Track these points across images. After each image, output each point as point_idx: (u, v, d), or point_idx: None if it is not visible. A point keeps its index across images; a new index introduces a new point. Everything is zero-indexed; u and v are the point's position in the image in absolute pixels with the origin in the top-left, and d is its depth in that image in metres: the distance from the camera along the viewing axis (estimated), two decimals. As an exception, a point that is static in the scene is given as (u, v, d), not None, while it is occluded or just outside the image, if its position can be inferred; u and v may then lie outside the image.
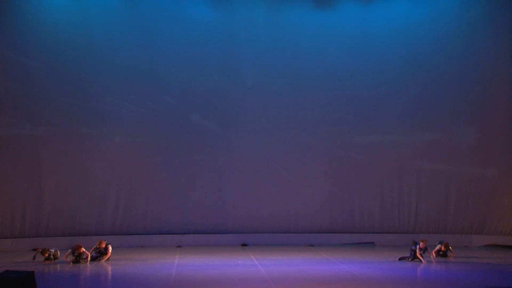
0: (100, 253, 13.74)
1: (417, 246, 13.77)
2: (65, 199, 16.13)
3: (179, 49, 16.84)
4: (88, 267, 12.91)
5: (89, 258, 13.44)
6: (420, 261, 13.66)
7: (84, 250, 13.47)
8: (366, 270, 12.62)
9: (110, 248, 13.81)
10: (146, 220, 16.64)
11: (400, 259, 13.99)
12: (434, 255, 14.06)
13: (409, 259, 13.87)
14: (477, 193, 16.87)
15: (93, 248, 13.78)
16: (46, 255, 13.46)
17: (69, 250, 13.47)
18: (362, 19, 17.27)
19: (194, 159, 16.90)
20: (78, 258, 13.37)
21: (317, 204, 17.16)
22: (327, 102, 17.24)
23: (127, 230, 16.49)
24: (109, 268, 12.93)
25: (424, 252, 13.82)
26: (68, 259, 13.34)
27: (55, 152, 16.12)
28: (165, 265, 13.22)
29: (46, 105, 16.09)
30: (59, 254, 13.62)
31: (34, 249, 14.35)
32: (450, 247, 14.55)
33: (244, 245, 16.58)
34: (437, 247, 14.40)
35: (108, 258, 13.75)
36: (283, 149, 17.15)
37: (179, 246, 16.25)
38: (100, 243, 13.77)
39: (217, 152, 17.01)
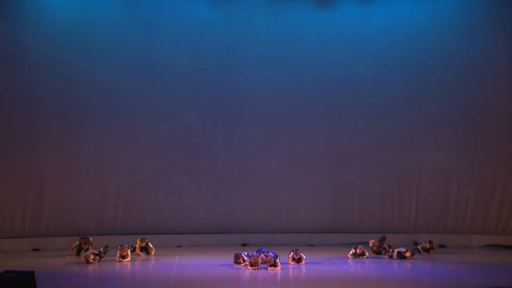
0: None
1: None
2: (65, 199, 16.10)
3: (179, 49, 16.81)
4: (88, 267, 12.91)
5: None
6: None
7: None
8: (366, 270, 12.62)
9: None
10: (146, 220, 16.61)
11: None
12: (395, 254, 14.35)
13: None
14: (477, 193, 16.86)
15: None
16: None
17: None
18: (362, 19, 17.25)
19: (194, 159, 16.89)
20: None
21: (317, 204, 17.15)
22: (326, 102, 17.21)
23: (127, 230, 16.45)
24: (109, 268, 12.92)
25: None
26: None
27: (55, 152, 16.09)
28: (165, 265, 13.22)
29: (45, 105, 16.04)
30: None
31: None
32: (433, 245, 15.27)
33: (244, 245, 16.58)
34: (422, 245, 15.27)
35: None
36: (283, 149, 17.14)
37: (179, 246, 16.25)
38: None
39: (217, 152, 17.00)
